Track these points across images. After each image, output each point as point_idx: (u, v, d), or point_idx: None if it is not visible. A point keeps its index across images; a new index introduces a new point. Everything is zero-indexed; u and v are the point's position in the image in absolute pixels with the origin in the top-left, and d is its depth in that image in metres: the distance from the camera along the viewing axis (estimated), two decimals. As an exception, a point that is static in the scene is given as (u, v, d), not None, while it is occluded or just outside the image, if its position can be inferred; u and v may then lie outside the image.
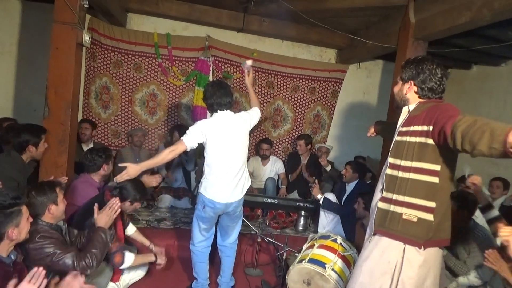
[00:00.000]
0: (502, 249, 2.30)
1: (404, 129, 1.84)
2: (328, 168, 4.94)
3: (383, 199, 1.87)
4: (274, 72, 5.64)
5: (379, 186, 1.93)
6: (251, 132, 5.66)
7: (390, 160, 1.86)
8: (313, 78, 5.77)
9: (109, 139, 5.23)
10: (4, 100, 5.15)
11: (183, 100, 5.40)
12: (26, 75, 5.14)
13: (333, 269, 2.67)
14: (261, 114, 3.17)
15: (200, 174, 4.50)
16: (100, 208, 2.42)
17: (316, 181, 4.03)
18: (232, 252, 3.10)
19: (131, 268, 2.80)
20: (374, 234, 1.88)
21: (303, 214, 4.39)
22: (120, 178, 2.54)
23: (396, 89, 2.00)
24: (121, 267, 2.62)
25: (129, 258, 2.62)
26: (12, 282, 1.70)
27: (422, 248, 1.75)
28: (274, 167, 5.12)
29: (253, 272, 3.55)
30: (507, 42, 3.96)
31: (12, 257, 1.88)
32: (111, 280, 2.68)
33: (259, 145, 5.19)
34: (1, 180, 2.64)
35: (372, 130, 2.59)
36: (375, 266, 1.83)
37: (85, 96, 5.06)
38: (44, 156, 3.31)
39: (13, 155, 2.98)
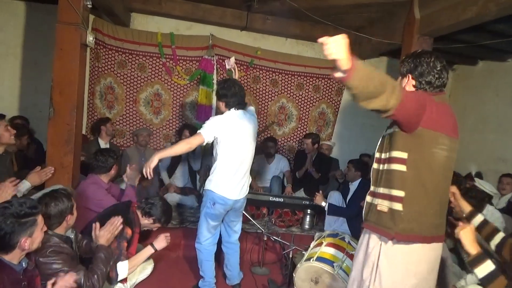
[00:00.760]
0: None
1: (389, 124, 1.88)
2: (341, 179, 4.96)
3: (369, 193, 1.89)
4: (278, 70, 5.62)
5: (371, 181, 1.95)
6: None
7: (376, 154, 1.89)
8: (317, 75, 5.75)
9: (115, 139, 5.23)
10: (10, 101, 5.17)
11: (188, 100, 5.40)
12: (31, 76, 5.16)
13: (341, 268, 2.65)
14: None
15: (205, 173, 4.51)
16: (126, 221, 2.49)
17: (320, 192, 4.04)
18: (238, 247, 3.16)
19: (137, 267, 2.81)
20: (363, 228, 1.91)
21: (309, 212, 4.37)
22: (147, 174, 2.55)
23: None
24: (119, 279, 2.56)
25: (123, 267, 2.55)
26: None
27: (394, 240, 1.70)
28: (279, 165, 5.10)
29: (260, 271, 3.54)
30: (514, 37, 3.92)
31: (24, 264, 1.85)
32: (120, 281, 2.68)
33: (264, 143, 5.18)
34: None
35: None
36: (361, 259, 1.86)
37: (90, 97, 5.07)
38: (50, 156, 3.32)
39: None
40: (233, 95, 2.83)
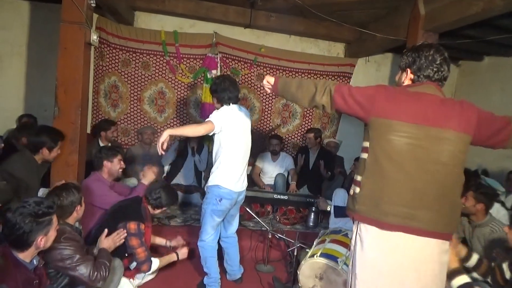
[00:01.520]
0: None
1: None
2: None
3: None
4: (282, 68, 5.60)
5: None
6: (260, 129, 5.66)
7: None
8: (321, 72, 5.72)
9: (119, 138, 5.25)
10: (15, 101, 5.21)
11: (192, 97, 5.40)
12: (36, 75, 5.19)
13: (345, 263, 2.65)
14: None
15: (209, 171, 4.52)
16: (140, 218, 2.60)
17: (320, 197, 4.04)
18: (236, 241, 3.24)
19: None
20: None
21: (313, 210, 4.36)
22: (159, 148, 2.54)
23: (396, 78, 1.96)
24: (147, 273, 2.81)
25: (155, 263, 2.79)
26: None
27: (356, 220, 1.79)
28: (284, 163, 5.09)
29: (264, 269, 3.54)
30: (520, 32, 3.88)
31: (35, 262, 1.89)
32: (126, 276, 2.71)
33: (269, 141, 5.18)
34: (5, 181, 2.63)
35: None
36: (350, 244, 1.91)
37: (95, 95, 5.09)
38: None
39: (27, 155, 3.01)
40: (223, 90, 2.89)
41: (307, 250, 3.14)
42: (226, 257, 3.18)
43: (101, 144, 4.49)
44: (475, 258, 2.30)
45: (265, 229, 3.62)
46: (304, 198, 4.40)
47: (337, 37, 5.64)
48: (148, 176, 3.32)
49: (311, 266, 2.76)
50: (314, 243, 3.09)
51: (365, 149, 1.79)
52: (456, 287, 1.85)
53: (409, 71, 1.82)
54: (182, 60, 5.24)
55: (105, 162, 3.15)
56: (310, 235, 3.88)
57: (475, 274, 2.33)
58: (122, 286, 2.64)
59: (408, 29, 4.06)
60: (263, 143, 5.62)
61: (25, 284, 1.77)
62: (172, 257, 3.02)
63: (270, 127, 5.71)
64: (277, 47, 5.57)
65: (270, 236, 3.59)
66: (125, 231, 2.61)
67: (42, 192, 2.97)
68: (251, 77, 5.54)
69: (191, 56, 5.26)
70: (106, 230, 2.54)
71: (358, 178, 1.80)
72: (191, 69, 5.30)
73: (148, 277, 2.99)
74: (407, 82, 1.84)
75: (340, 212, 3.86)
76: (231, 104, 2.92)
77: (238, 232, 3.96)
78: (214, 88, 2.94)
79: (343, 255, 2.72)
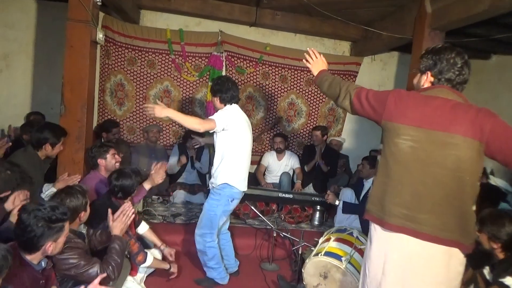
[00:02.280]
0: None
1: None
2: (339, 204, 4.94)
3: None
4: (287, 66, 5.60)
5: None
6: (264, 127, 5.66)
7: None
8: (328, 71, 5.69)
9: (125, 136, 5.27)
10: (22, 99, 5.25)
11: (197, 96, 5.41)
12: (43, 73, 5.22)
13: (349, 262, 2.64)
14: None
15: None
16: (106, 209, 2.44)
17: (332, 188, 4.03)
18: (230, 236, 3.31)
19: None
20: None
21: (318, 208, 4.36)
22: (147, 106, 2.56)
23: (414, 80, 1.94)
24: (142, 266, 2.73)
25: (150, 258, 2.74)
26: None
27: (367, 218, 1.84)
28: (289, 161, 5.09)
29: (269, 267, 3.55)
30: (528, 30, 3.84)
31: (43, 264, 1.89)
32: (129, 274, 2.72)
33: (273, 139, 5.19)
34: None
35: None
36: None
37: (101, 94, 5.11)
38: (61, 153, 3.37)
39: (29, 151, 3.04)
40: (227, 90, 2.92)
41: (311, 248, 3.14)
42: (223, 253, 3.21)
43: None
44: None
45: (270, 227, 3.63)
46: (309, 196, 4.39)
47: (343, 36, 5.61)
48: (156, 179, 3.18)
49: (315, 264, 2.76)
50: (319, 241, 3.08)
51: (381, 151, 1.87)
52: None
53: (429, 74, 1.80)
54: (188, 59, 5.25)
55: (99, 160, 3.14)
56: (315, 233, 3.88)
57: None
58: (126, 284, 2.65)
59: (414, 27, 4.03)
60: (268, 141, 5.64)
61: (32, 283, 1.77)
62: (165, 264, 2.92)
63: (272, 121, 5.69)
64: (283, 45, 5.56)
65: (275, 235, 3.59)
66: (129, 203, 2.48)
67: (46, 188, 2.99)
68: (257, 75, 5.53)
69: (197, 55, 5.27)
70: (110, 211, 2.40)
71: (374, 179, 1.91)
72: (196, 67, 5.31)
73: (149, 270, 2.99)
74: (427, 85, 1.82)
75: (348, 208, 3.85)
76: (233, 104, 2.95)
77: (242, 230, 3.99)
78: (217, 88, 2.96)
79: (347, 254, 2.71)
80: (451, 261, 1.68)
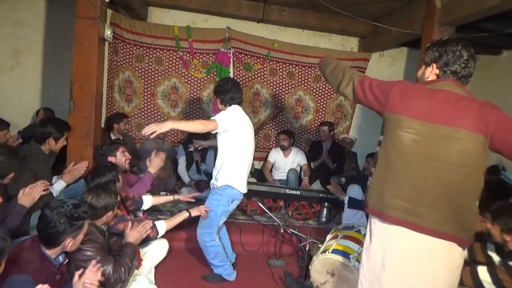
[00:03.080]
0: None
1: None
2: (343, 181, 4.94)
3: None
4: (295, 63, 5.57)
5: None
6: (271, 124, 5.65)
7: None
8: (335, 67, 5.66)
9: (133, 132, 5.31)
10: (32, 96, 5.30)
11: (205, 93, 5.42)
12: (52, 70, 5.27)
13: (357, 260, 2.63)
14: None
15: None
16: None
17: (332, 183, 4.02)
18: (225, 229, 3.36)
19: (151, 251, 2.90)
20: None
21: (326, 205, 4.35)
22: (148, 129, 2.55)
23: (419, 73, 1.92)
24: (160, 235, 2.77)
25: (162, 226, 2.76)
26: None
27: (367, 211, 1.81)
28: (296, 158, 5.09)
29: (276, 263, 3.55)
30: (540, 24, 3.77)
31: (60, 259, 1.95)
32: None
33: (278, 136, 5.18)
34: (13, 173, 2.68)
35: None
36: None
37: (109, 90, 5.15)
38: (70, 149, 3.40)
39: (33, 146, 3.06)
40: (226, 91, 2.94)
41: (319, 245, 3.13)
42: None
43: (113, 137, 4.56)
44: None
45: (277, 224, 3.63)
46: (316, 193, 4.39)
47: (351, 31, 5.57)
48: (155, 163, 3.30)
49: (323, 262, 2.75)
50: (327, 238, 3.07)
51: (379, 143, 1.83)
52: None
53: (434, 66, 1.79)
54: (195, 55, 5.26)
55: (109, 158, 3.17)
56: (323, 230, 3.88)
57: None
58: (134, 279, 2.66)
59: (423, 22, 3.98)
60: (275, 138, 5.63)
61: (48, 277, 1.82)
62: (183, 215, 2.93)
63: (272, 112, 5.66)
64: (290, 41, 5.53)
65: (282, 231, 3.60)
66: (150, 221, 2.59)
67: (54, 180, 3.04)
68: (264, 72, 5.52)
69: (204, 51, 5.27)
70: (130, 224, 2.50)
71: (372, 169, 1.86)
72: (204, 64, 5.32)
73: (156, 260, 2.99)
74: (431, 77, 1.80)
75: (354, 204, 3.83)
76: (233, 105, 2.97)
77: (250, 226, 4.01)
78: (217, 89, 3.02)
79: (355, 252, 2.70)
80: (451, 254, 1.68)
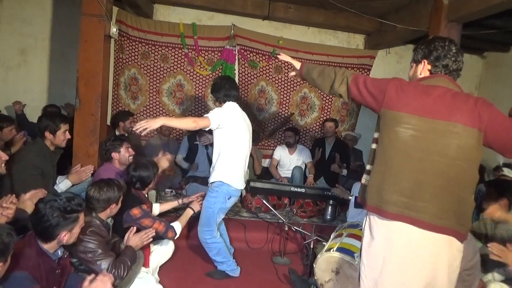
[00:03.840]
0: None
1: None
2: (344, 172, 4.93)
3: None
4: (300, 60, 5.50)
5: None
6: (276, 121, 5.64)
7: None
8: (340, 65, 5.62)
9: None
10: (39, 93, 5.34)
11: (210, 90, 5.40)
12: (59, 68, 5.30)
13: (361, 258, 2.62)
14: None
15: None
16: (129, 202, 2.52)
17: (338, 185, 4.01)
18: (223, 224, 3.39)
19: (157, 250, 2.96)
20: None
21: (331, 203, 4.33)
22: (139, 126, 2.49)
23: (410, 72, 1.95)
24: (178, 235, 2.83)
25: (178, 227, 2.83)
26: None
27: (367, 209, 1.81)
28: (301, 156, 5.08)
29: (281, 261, 3.56)
30: (549, 21, 3.73)
31: (59, 253, 1.95)
32: (143, 265, 2.76)
33: (284, 133, 5.18)
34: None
35: None
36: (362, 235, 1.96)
37: (115, 88, 5.17)
38: (76, 146, 3.43)
39: (38, 142, 3.06)
40: (219, 89, 2.98)
41: (323, 243, 3.13)
42: None
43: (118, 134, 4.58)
44: None
45: (282, 221, 3.63)
46: (321, 191, 4.38)
47: (357, 28, 5.53)
48: (162, 164, 3.29)
49: (327, 260, 2.75)
50: (331, 236, 3.07)
51: (375, 140, 1.85)
52: None
53: (425, 62, 1.82)
54: (201, 53, 5.26)
55: (113, 154, 3.17)
56: (327, 228, 3.87)
57: None
58: (141, 276, 2.68)
59: (430, 19, 3.95)
60: (280, 135, 5.62)
61: (47, 273, 1.82)
62: (189, 212, 3.03)
63: (284, 116, 5.67)
64: (296, 39, 5.51)
65: (286, 229, 3.60)
66: (153, 231, 2.59)
67: (60, 180, 3.05)
68: (269, 69, 5.51)
69: (209, 49, 5.27)
70: (134, 228, 2.52)
71: (368, 167, 1.87)
72: (209, 61, 5.32)
73: (163, 259, 3.03)
74: (424, 74, 1.83)
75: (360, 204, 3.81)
76: (228, 102, 2.98)
77: (255, 224, 4.01)
78: (212, 88, 3.06)
79: (359, 250, 2.69)
80: (450, 247, 1.69)
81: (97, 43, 3.44)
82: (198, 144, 4.92)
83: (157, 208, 3.25)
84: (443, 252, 1.68)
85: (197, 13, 5.32)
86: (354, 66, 5.66)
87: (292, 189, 4.33)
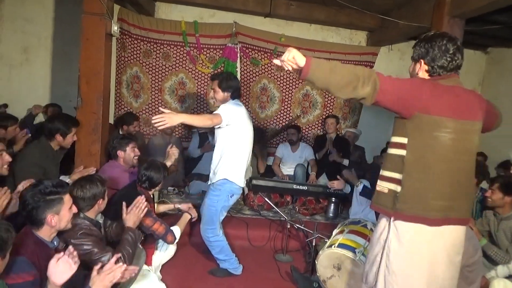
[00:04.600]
0: None
1: None
2: (345, 162, 4.89)
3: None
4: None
5: None
6: (280, 120, 5.64)
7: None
8: (343, 62, 5.57)
9: (141, 128, 5.33)
10: (42, 92, 5.37)
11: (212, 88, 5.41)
12: (61, 66, 5.33)
13: (363, 254, 2.62)
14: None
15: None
16: (131, 198, 2.47)
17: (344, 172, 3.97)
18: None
19: (160, 249, 2.96)
20: None
21: (333, 200, 4.33)
22: (158, 120, 2.40)
23: (410, 69, 1.94)
24: (177, 239, 2.81)
25: (177, 231, 2.80)
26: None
27: (392, 218, 1.76)
28: (303, 153, 5.07)
29: (283, 258, 3.55)
30: (553, 16, 3.69)
31: (55, 243, 1.95)
32: (145, 263, 2.76)
33: (287, 130, 5.17)
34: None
35: None
36: (374, 236, 1.91)
37: (117, 86, 5.18)
38: (78, 145, 3.43)
39: (42, 142, 3.09)
40: (238, 86, 3.00)
41: (325, 240, 3.13)
42: None
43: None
44: None
45: (284, 219, 3.63)
46: (323, 188, 4.36)
47: (359, 25, 5.51)
48: (172, 158, 3.28)
49: (329, 256, 2.75)
50: (333, 233, 3.07)
51: (400, 145, 1.75)
52: None
53: (422, 62, 1.82)
54: (202, 51, 5.26)
55: (118, 152, 3.19)
56: (330, 225, 3.86)
57: None
58: (143, 274, 2.69)
59: (432, 15, 3.92)
60: (282, 132, 5.62)
61: (44, 260, 1.80)
62: (186, 217, 3.01)
63: (290, 118, 5.67)
64: (298, 36, 5.49)
65: (289, 226, 3.59)
66: (143, 196, 2.50)
67: (63, 179, 3.07)
68: (271, 67, 5.50)
69: (211, 46, 5.27)
70: (124, 204, 2.43)
71: (395, 175, 1.76)
72: (211, 59, 5.31)
73: (165, 258, 3.03)
74: (421, 73, 1.84)
75: (368, 193, 3.76)
76: (237, 99, 2.98)
77: (257, 222, 4.01)
78: (227, 82, 2.98)
79: (361, 246, 2.69)
80: (465, 234, 1.86)
81: (98, 42, 3.44)
82: (209, 141, 4.94)
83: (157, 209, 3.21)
84: (464, 240, 1.84)
85: (198, 10, 5.33)
86: (357, 63, 5.62)
87: (295, 186, 4.32)
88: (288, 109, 5.70)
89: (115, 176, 3.10)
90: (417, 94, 1.67)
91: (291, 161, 5.07)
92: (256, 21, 5.40)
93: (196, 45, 5.21)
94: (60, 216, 1.90)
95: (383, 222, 1.83)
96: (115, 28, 3.55)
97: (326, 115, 5.73)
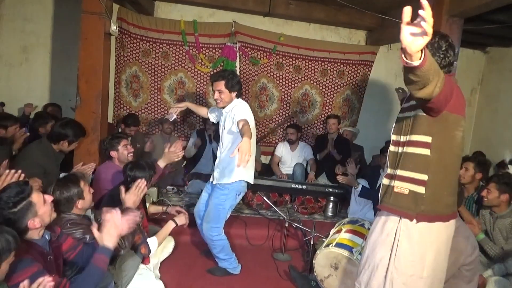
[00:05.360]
0: None
1: (405, 105, 1.87)
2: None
3: (386, 175, 1.90)
4: (301, 56, 5.54)
5: (386, 164, 1.95)
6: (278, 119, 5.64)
7: (393, 137, 1.90)
8: (342, 61, 5.62)
9: (141, 127, 5.34)
10: (41, 91, 5.36)
11: (211, 87, 5.40)
12: (60, 65, 5.32)
13: (360, 254, 2.62)
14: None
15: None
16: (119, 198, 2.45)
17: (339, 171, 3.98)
18: None
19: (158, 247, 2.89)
20: (379, 210, 1.93)
21: (332, 199, 4.33)
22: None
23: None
24: (152, 252, 2.69)
25: (153, 243, 2.67)
26: None
27: (415, 221, 1.74)
28: (302, 152, 5.08)
29: (281, 257, 3.56)
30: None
31: (47, 237, 1.89)
32: (142, 262, 2.76)
33: (286, 130, 5.18)
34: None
35: None
36: (377, 238, 1.88)
37: (116, 85, 5.18)
38: (77, 144, 3.44)
39: (44, 143, 3.11)
40: (238, 83, 3.01)
41: (323, 239, 3.13)
42: None
43: None
44: None
45: (283, 218, 3.63)
46: (322, 187, 4.36)
47: (358, 24, 5.51)
48: (171, 157, 3.17)
49: (326, 255, 2.75)
50: (330, 232, 3.07)
51: (423, 144, 1.73)
52: None
53: None
54: (202, 50, 5.26)
55: (111, 153, 3.17)
56: (328, 225, 3.87)
57: None
58: (141, 273, 2.69)
59: (431, 14, 3.91)
60: (282, 132, 5.63)
61: (42, 260, 1.78)
62: (170, 225, 2.82)
63: (287, 115, 5.67)
64: (297, 35, 5.50)
65: (287, 225, 3.60)
66: (143, 180, 2.49)
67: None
68: (270, 66, 5.50)
69: (210, 46, 5.27)
70: (122, 188, 2.41)
71: (418, 176, 1.74)
72: (210, 58, 5.32)
73: (163, 256, 3.02)
74: None
75: (367, 193, 3.77)
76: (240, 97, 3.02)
77: (255, 221, 4.02)
78: (235, 80, 2.97)
79: (358, 245, 2.69)
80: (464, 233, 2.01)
81: (97, 41, 3.45)
82: (206, 140, 4.94)
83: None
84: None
85: (198, 10, 5.32)
86: (356, 62, 5.65)
87: (293, 186, 4.31)
88: (287, 108, 5.70)
89: (110, 177, 3.08)
90: (451, 93, 1.63)
91: (290, 160, 5.08)
92: (255, 21, 5.40)
93: (195, 45, 5.21)
94: (40, 216, 1.80)
95: (392, 223, 1.80)
96: (114, 27, 3.56)
97: (325, 114, 5.74)
